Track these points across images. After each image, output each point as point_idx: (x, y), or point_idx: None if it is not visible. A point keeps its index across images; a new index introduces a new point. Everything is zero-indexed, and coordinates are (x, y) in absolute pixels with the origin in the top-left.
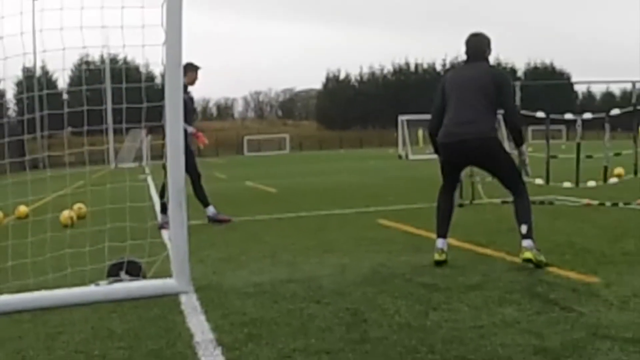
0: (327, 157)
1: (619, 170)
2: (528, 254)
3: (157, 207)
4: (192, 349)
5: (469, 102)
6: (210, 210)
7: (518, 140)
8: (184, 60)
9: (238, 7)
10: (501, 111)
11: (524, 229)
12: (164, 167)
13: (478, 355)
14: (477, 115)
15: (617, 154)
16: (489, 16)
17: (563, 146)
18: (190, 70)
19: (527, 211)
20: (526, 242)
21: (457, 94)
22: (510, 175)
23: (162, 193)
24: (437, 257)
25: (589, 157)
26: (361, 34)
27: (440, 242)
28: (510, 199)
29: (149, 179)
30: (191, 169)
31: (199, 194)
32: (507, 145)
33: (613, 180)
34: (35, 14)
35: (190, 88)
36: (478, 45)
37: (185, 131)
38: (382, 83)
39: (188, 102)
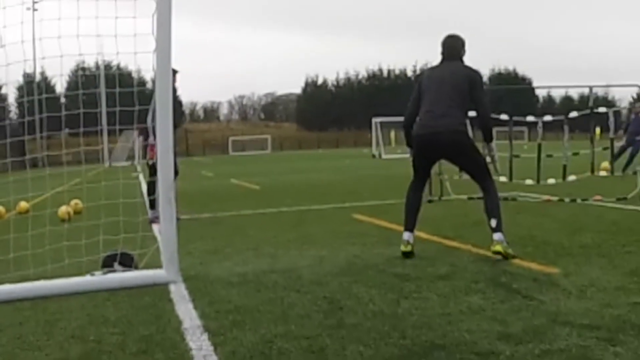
0: (306, 156)
1: (604, 164)
2: (498, 247)
3: (147, 203)
4: (180, 334)
5: (444, 97)
6: (152, 214)
7: (487, 135)
8: (173, 66)
9: (223, 18)
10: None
11: (493, 222)
12: (148, 165)
13: (446, 340)
14: (450, 110)
15: (575, 154)
16: (456, 26)
17: (525, 146)
18: (177, 75)
19: (496, 206)
20: (497, 236)
21: (433, 90)
22: (479, 171)
23: (149, 190)
24: (403, 248)
25: (549, 156)
26: (337, 42)
27: (406, 235)
28: (476, 195)
29: (141, 177)
30: (152, 168)
31: (151, 189)
32: (480, 146)
33: (571, 177)
34: (35, 24)
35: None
36: (453, 45)
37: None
38: (357, 87)
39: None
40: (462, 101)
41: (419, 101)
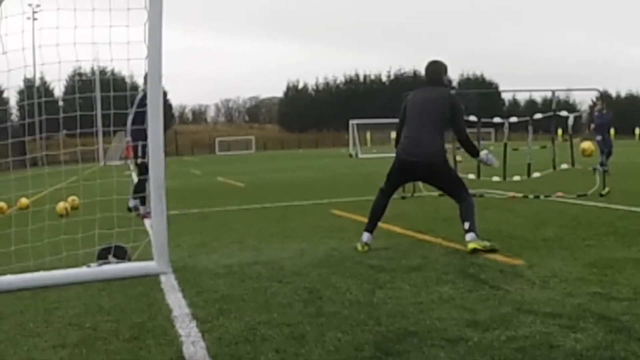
0: (288, 156)
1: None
2: (472, 245)
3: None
4: (170, 322)
5: (425, 124)
6: (132, 203)
7: (472, 152)
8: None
9: (210, 27)
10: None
11: (466, 225)
12: (136, 164)
13: (418, 327)
14: (429, 136)
15: (543, 147)
16: (427, 35)
17: (492, 147)
18: None
19: (469, 212)
20: (468, 236)
21: (416, 116)
22: (453, 188)
23: (137, 188)
24: (359, 248)
25: (515, 149)
26: (317, 50)
27: (366, 236)
28: None
29: (133, 175)
30: (140, 167)
31: (139, 188)
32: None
33: (535, 174)
34: (34, 32)
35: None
36: (436, 70)
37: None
38: (335, 92)
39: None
40: (442, 126)
41: (403, 123)
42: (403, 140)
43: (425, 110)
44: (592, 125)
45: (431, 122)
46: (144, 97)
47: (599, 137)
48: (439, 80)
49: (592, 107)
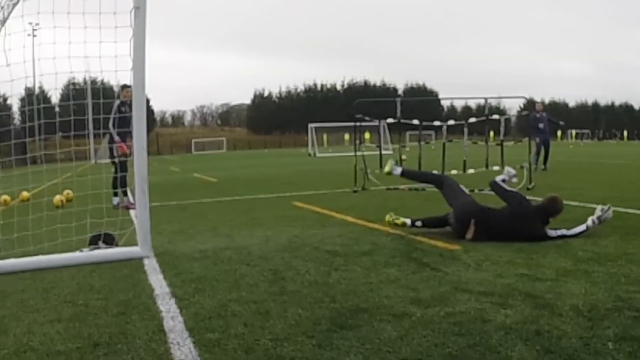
0: (255, 155)
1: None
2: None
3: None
4: (152, 299)
5: None
6: (115, 200)
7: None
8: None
9: (187, 43)
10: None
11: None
12: (113, 163)
13: (368, 304)
14: None
15: (475, 143)
16: (377, 48)
17: (432, 146)
18: (127, 89)
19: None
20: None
21: None
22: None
23: (115, 183)
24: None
25: (450, 140)
26: (280, 62)
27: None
28: (393, 186)
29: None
30: (120, 165)
31: (117, 184)
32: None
33: (470, 171)
34: (34, 47)
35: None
36: None
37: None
38: (296, 99)
39: (129, 113)
40: None
41: None
42: None
43: None
44: (542, 125)
45: None
46: (120, 104)
47: (537, 138)
48: None
49: (524, 111)
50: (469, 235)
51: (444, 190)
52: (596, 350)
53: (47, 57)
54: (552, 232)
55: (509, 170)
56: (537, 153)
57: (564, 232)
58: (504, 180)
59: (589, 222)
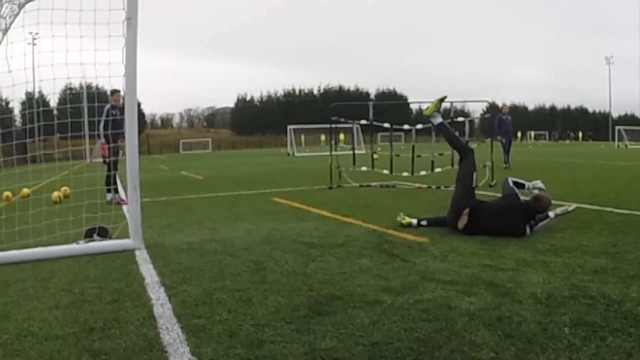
0: (238, 154)
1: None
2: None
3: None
4: (143, 288)
5: None
6: (108, 196)
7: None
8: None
9: (176, 51)
10: None
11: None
12: (104, 162)
13: (343, 292)
14: None
15: (441, 154)
16: (351, 55)
17: (402, 147)
18: (117, 94)
19: None
20: None
21: None
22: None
23: (108, 180)
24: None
25: (419, 156)
26: (261, 68)
27: None
28: (366, 183)
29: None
30: (111, 164)
31: (110, 181)
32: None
33: (437, 170)
34: (34, 55)
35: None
36: None
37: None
38: (276, 103)
39: (118, 116)
40: None
41: None
42: None
43: None
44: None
45: None
46: (111, 108)
47: (503, 139)
48: None
49: (485, 113)
50: (461, 224)
51: (462, 166)
52: (553, 335)
53: (46, 64)
54: (528, 232)
55: (537, 183)
56: (507, 152)
57: (535, 228)
58: (517, 184)
59: (552, 214)
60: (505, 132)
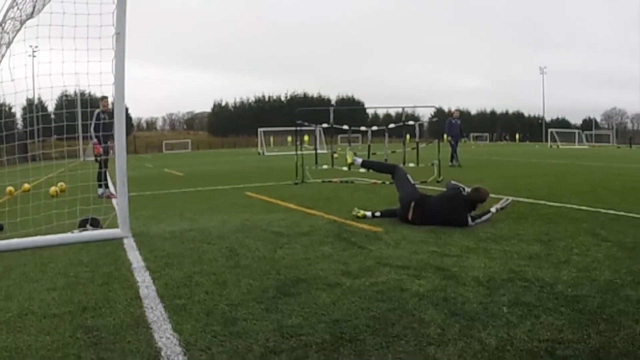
0: (214, 154)
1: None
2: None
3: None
4: (131, 272)
5: None
6: (100, 191)
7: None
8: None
9: (159, 62)
10: None
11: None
12: (96, 160)
13: (307, 275)
14: None
15: (393, 152)
16: (314, 65)
17: (359, 147)
18: (106, 99)
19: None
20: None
21: None
22: None
23: (99, 176)
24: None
25: (374, 154)
26: (235, 77)
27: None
28: (327, 179)
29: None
30: (102, 162)
31: (101, 177)
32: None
33: None
34: (34, 65)
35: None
36: None
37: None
38: (248, 108)
39: (107, 120)
40: None
41: None
42: None
43: None
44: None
45: None
46: (100, 112)
47: (452, 140)
48: None
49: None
50: (410, 215)
51: (395, 178)
52: (493, 314)
53: (44, 73)
54: (471, 222)
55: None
56: (455, 151)
57: (477, 220)
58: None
59: (493, 209)
60: (454, 135)
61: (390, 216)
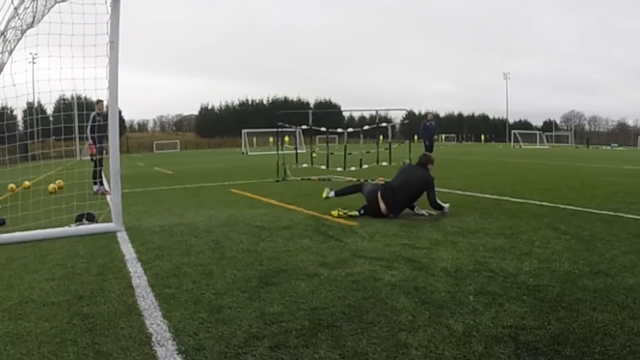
0: (201, 153)
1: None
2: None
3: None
4: (124, 263)
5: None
6: (95, 188)
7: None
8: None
9: (150, 68)
10: None
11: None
12: (92, 159)
13: (287, 266)
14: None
15: (367, 152)
16: (294, 71)
17: (336, 147)
18: (101, 103)
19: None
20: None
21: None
22: None
23: (95, 174)
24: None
25: (350, 153)
26: (220, 82)
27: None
28: (306, 177)
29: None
30: (97, 161)
31: (96, 175)
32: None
33: (365, 166)
34: (34, 71)
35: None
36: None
37: (99, 139)
38: (233, 111)
39: (102, 122)
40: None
41: None
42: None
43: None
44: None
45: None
46: (95, 115)
47: (426, 141)
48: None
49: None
50: (383, 207)
51: (363, 192)
52: (460, 302)
53: (43, 79)
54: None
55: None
56: (431, 152)
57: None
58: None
59: (425, 212)
60: (428, 136)
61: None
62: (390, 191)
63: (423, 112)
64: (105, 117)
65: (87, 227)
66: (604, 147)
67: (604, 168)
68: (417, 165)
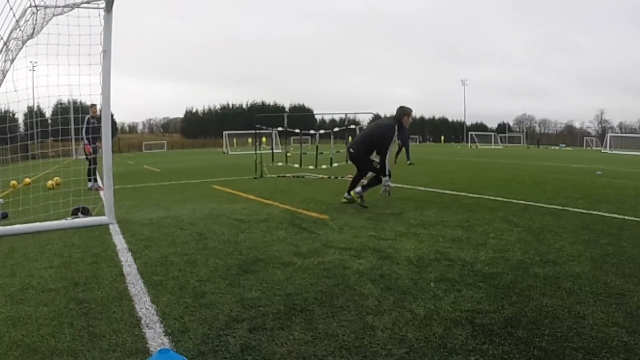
0: (186, 153)
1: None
2: (352, 193)
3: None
4: (116, 253)
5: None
6: (89, 184)
7: (382, 173)
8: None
9: (139, 75)
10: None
11: (357, 188)
12: (87, 158)
13: (265, 256)
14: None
15: (337, 152)
16: (270, 78)
17: (309, 147)
18: (94, 106)
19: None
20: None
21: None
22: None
23: (89, 172)
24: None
25: (321, 153)
26: (203, 88)
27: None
28: (282, 174)
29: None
30: (91, 160)
31: (90, 173)
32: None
33: (335, 164)
34: (34, 78)
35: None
36: (396, 112)
37: (94, 140)
38: (215, 114)
39: (96, 124)
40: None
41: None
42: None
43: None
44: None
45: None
46: (89, 117)
47: (402, 143)
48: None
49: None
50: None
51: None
52: (422, 288)
53: (42, 85)
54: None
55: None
56: (407, 151)
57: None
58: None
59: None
60: (404, 138)
61: (374, 183)
62: (354, 143)
63: (388, 115)
64: (98, 119)
65: (82, 220)
66: (553, 147)
67: (553, 166)
68: (393, 119)
